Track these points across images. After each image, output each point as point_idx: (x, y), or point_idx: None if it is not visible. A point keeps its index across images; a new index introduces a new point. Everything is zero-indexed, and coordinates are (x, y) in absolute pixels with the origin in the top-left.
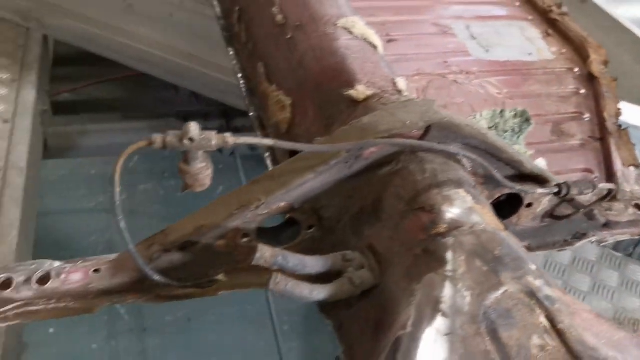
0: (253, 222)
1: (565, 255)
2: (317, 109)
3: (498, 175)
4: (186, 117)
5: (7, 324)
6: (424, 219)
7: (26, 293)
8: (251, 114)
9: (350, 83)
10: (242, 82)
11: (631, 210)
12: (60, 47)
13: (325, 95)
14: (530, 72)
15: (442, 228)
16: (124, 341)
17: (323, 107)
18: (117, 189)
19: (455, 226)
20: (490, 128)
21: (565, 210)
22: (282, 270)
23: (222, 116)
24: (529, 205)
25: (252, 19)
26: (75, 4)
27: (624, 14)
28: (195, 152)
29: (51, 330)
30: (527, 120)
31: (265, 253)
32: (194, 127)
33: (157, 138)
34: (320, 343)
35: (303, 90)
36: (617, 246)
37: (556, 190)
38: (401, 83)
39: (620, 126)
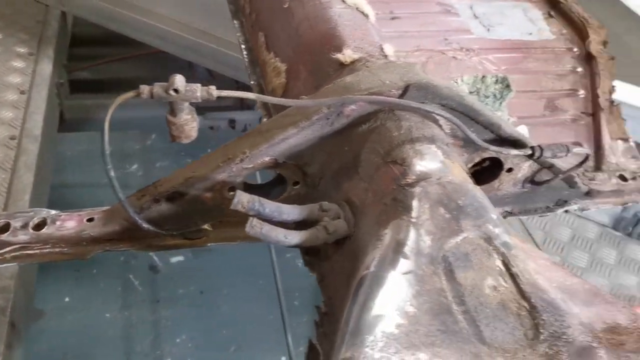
0: (239, 176)
1: (564, 233)
2: (308, 73)
3: (472, 135)
4: None
5: (5, 265)
6: (396, 171)
7: (22, 237)
8: (252, 82)
9: (339, 48)
10: (245, 52)
11: (614, 180)
12: (78, 28)
13: (316, 60)
14: (530, 51)
15: (410, 179)
16: (137, 311)
17: (314, 71)
18: (107, 140)
19: (423, 177)
20: (471, 93)
21: (545, 176)
22: (260, 217)
23: None
24: (510, 170)
25: None
26: None
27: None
28: (181, 103)
29: (67, 299)
30: (508, 87)
31: (242, 198)
32: (179, 79)
33: (145, 89)
34: None
35: (297, 57)
36: (616, 225)
37: (530, 152)
38: (388, 48)
39: (612, 102)
